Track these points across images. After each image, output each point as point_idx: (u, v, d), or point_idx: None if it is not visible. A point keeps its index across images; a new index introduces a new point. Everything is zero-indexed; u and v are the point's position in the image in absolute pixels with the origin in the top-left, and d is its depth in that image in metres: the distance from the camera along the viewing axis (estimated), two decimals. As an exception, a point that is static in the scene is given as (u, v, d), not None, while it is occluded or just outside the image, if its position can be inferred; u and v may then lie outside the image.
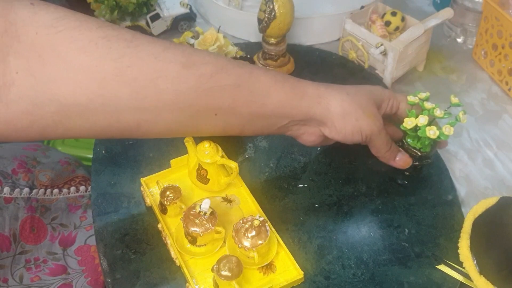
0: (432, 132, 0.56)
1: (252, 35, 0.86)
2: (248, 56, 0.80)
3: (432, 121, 0.58)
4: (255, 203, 0.60)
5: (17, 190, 0.65)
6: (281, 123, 0.55)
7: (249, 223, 0.54)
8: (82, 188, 0.73)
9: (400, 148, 0.61)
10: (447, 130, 0.57)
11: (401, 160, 0.61)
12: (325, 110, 0.54)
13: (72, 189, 0.72)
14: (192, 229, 0.53)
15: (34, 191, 0.67)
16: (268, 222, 0.56)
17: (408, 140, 0.61)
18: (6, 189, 0.65)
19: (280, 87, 0.53)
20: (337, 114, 0.55)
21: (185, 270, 0.54)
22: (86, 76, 0.44)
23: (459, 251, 0.56)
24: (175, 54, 0.47)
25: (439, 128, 0.57)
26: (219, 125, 0.53)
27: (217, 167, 0.59)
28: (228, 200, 0.61)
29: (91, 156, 0.68)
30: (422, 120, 0.57)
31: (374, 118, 0.56)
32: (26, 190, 0.66)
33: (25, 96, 0.43)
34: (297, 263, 0.54)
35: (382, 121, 0.58)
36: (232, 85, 0.50)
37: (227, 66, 0.50)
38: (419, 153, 0.61)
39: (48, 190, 0.69)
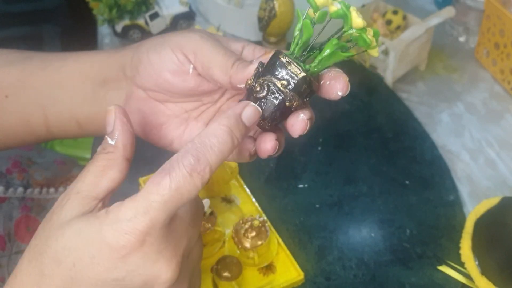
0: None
1: (252, 34, 0.85)
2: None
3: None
4: (255, 203, 0.59)
5: (11, 189, 0.65)
6: None
7: (249, 223, 0.53)
8: None
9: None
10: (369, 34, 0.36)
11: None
12: None
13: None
14: (191, 229, 0.53)
15: (29, 190, 0.67)
16: (268, 223, 0.56)
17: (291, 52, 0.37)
18: (0, 189, 0.64)
19: None
20: None
21: (184, 271, 0.53)
22: None
23: (461, 251, 0.56)
24: None
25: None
26: None
27: (217, 166, 0.59)
28: (228, 200, 0.61)
29: (90, 156, 0.67)
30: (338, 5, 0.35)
31: None
32: (20, 189, 0.66)
33: None
34: (297, 263, 0.54)
35: None
36: None
37: None
38: (302, 73, 0.35)
39: (44, 189, 0.69)
